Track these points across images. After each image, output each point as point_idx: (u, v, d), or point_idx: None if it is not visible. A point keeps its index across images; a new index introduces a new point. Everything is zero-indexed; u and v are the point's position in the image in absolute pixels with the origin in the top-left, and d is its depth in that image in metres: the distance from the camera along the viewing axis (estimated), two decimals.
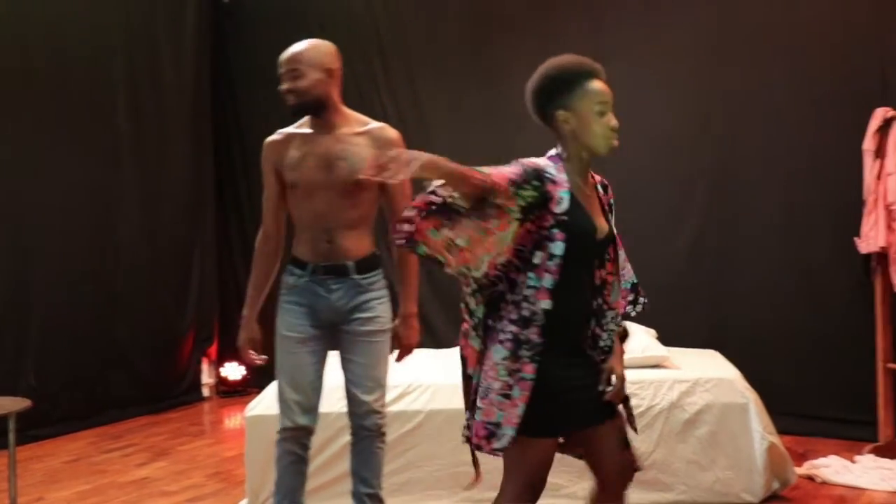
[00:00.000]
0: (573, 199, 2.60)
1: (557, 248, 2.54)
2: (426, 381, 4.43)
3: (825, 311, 5.43)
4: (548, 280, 2.55)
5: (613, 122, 2.67)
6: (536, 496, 2.73)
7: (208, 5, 7.30)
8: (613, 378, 2.73)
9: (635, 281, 2.87)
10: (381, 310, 3.49)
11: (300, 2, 7.21)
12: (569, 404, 2.64)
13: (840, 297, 5.36)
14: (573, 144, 2.70)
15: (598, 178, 2.81)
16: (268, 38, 7.28)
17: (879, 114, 4.85)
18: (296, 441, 3.50)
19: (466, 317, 2.73)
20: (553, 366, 2.58)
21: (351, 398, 3.50)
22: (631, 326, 4.85)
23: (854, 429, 5.21)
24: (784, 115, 5.51)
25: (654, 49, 5.94)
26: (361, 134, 3.45)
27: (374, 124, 3.51)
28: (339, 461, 4.27)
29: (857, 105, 5.13)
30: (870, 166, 4.86)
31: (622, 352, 2.81)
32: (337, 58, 3.52)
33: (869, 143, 4.87)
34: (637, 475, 4.27)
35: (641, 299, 2.88)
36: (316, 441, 4.22)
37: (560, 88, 2.71)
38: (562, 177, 2.63)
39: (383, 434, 3.51)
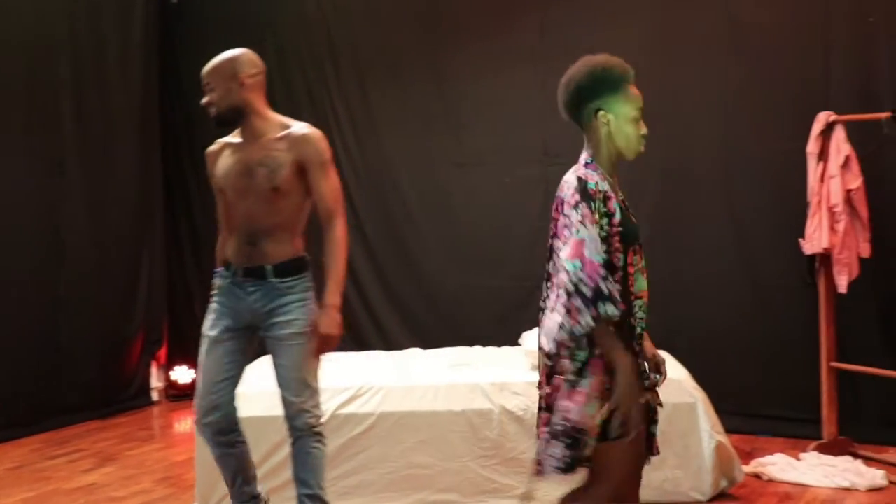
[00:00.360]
0: (621, 208, 2.66)
1: (621, 260, 2.62)
2: (377, 383, 4.43)
3: (771, 311, 5.52)
4: (617, 290, 2.57)
5: (644, 129, 2.73)
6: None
7: (155, 5, 7.21)
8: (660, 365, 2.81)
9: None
10: (298, 313, 3.50)
11: (250, 3, 7.16)
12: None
13: (785, 298, 5.45)
14: (607, 145, 2.74)
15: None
16: (217, 40, 7.19)
17: (822, 118, 4.93)
18: (210, 436, 3.61)
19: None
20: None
21: (282, 400, 3.54)
22: None
23: (799, 427, 5.30)
24: (731, 118, 5.59)
25: (601, 50, 5.96)
26: (282, 138, 3.52)
27: (295, 126, 3.57)
28: (289, 464, 4.24)
29: (801, 109, 5.21)
30: (813, 169, 4.95)
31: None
32: (252, 65, 3.63)
33: (812, 147, 4.96)
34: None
35: None
36: (266, 445, 4.24)
37: (605, 89, 2.73)
38: (606, 185, 2.66)
39: (318, 434, 3.52)
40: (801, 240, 5.00)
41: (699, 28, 5.68)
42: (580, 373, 2.61)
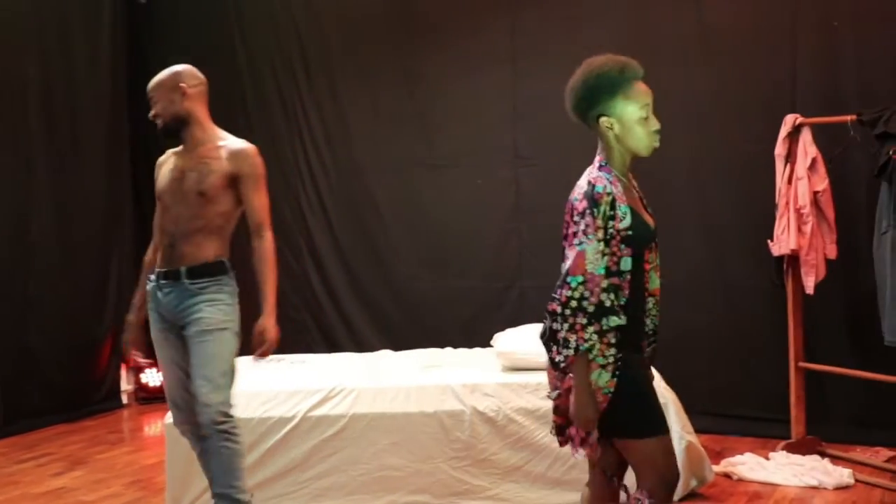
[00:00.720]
0: (632, 210, 2.66)
1: (626, 263, 2.62)
2: (349, 384, 4.42)
3: (740, 312, 5.57)
4: (621, 297, 2.62)
5: (655, 124, 2.71)
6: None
7: (123, 5, 7.15)
8: None
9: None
10: (207, 311, 3.61)
11: (219, 3, 7.13)
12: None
13: (754, 299, 5.50)
14: (617, 148, 2.75)
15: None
16: (187, 40, 7.19)
17: (789, 120, 4.98)
18: (186, 436, 3.76)
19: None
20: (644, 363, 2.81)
21: (192, 397, 3.61)
22: None
23: (768, 427, 5.35)
24: (699, 120, 5.63)
25: (572, 51, 5.98)
26: (219, 148, 3.67)
27: (231, 140, 3.72)
28: (263, 466, 4.25)
29: (769, 112, 5.27)
30: (781, 171, 5.00)
31: None
32: (193, 77, 3.81)
33: (780, 149, 5.01)
34: (558, 476, 4.37)
35: None
36: None
37: (600, 96, 2.74)
38: (619, 188, 2.67)
39: (225, 432, 3.54)
40: (769, 241, 5.05)
41: (669, 31, 5.72)
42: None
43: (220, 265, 3.72)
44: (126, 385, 7.18)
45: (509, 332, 4.92)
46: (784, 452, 4.91)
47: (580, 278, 2.56)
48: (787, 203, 4.94)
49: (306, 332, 6.84)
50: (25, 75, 6.27)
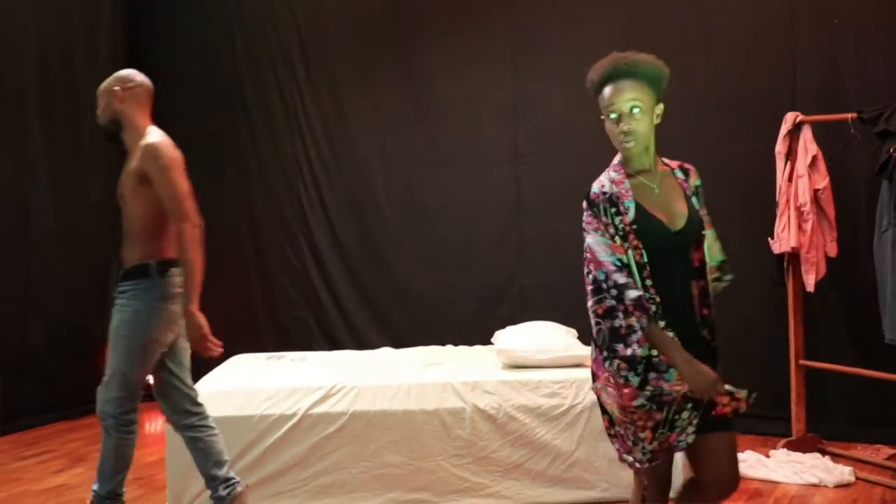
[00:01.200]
0: (638, 206, 2.71)
1: (643, 255, 2.68)
2: (350, 382, 4.42)
3: (741, 310, 5.54)
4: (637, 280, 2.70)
5: (622, 126, 2.74)
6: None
7: (123, 4, 7.15)
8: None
9: (721, 258, 2.90)
10: (117, 315, 3.73)
11: (219, 1, 7.12)
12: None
13: (755, 297, 5.49)
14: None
15: (675, 164, 2.86)
16: (187, 40, 7.19)
17: (790, 118, 4.99)
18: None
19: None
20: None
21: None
22: (553, 326, 4.94)
23: (768, 425, 5.35)
24: (699, 118, 5.63)
25: (572, 50, 6.03)
26: (136, 150, 3.75)
27: (143, 141, 3.74)
28: (264, 463, 4.25)
29: (769, 109, 5.27)
30: (781, 169, 5.00)
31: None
32: (129, 79, 3.91)
33: (780, 147, 5.01)
34: (559, 473, 4.37)
35: (726, 277, 2.91)
36: (240, 444, 4.24)
37: (595, 97, 2.85)
38: (625, 185, 2.75)
39: (104, 428, 3.70)
40: (770, 239, 5.05)
41: (669, 29, 5.72)
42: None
43: (142, 268, 3.72)
44: None
45: (510, 329, 4.92)
46: (784, 450, 4.92)
47: (602, 270, 2.66)
48: (788, 201, 4.95)
49: (307, 330, 6.85)
50: (25, 76, 6.27)
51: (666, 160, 2.89)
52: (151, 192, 3.66)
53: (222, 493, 3.77)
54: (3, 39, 6.12)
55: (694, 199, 2.83)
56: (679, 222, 2.75)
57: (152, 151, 3.66)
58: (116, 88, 3.81)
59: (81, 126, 6.65)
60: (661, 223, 2.73)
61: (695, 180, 2.89)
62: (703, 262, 2.82)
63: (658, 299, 2.67)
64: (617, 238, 2.68)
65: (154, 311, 3.71)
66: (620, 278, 2.63)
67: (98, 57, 6.86)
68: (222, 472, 3.80)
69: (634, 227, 2.68)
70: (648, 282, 2.68)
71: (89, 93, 6.69)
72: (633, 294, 2.61)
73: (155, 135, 3.76)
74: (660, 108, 2.81)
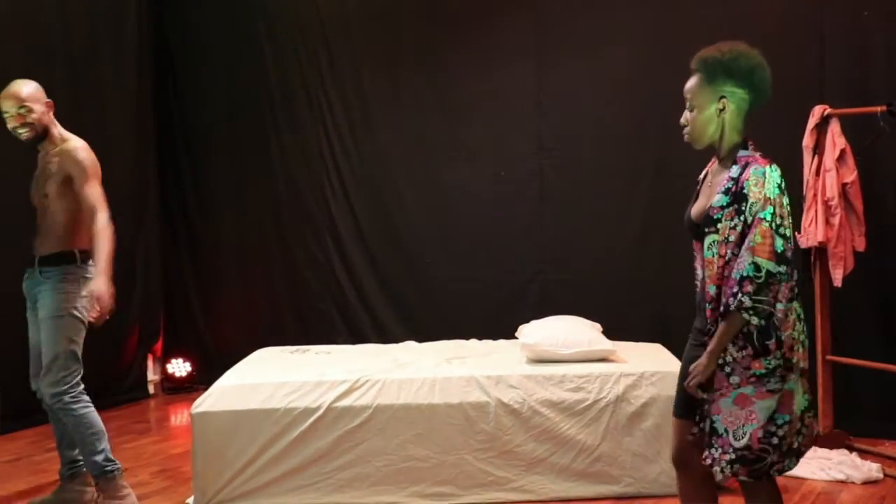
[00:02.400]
0: (696, 192, 2.92)
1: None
2: (374, 376, 4.43)
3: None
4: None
5: (681, 119, 2.86)
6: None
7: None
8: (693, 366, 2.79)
9: (743, 274, 2.63)
10: (49, 299, 4.09)
11: None
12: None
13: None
14: None
15: (745, 161, 2.79)
16: (211, 34, 7.22)
17: (817, 111, 4.94)
18: (43, 404, 4.23)
19: None
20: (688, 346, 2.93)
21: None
22: (577, 320, 4.92)
23: None
24: None
25: (596, 42, 6.01)
26: (56, 152, 4.18)
27: (68, 144, 4.21)
28: (288, 456, 4.26)
29: (797, 102, 5.22)
30: (808, 163, 4.96)
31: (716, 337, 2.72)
32: (43, 92, 4.26)
33: (807, 140, 4.97)
34: (583, 468, 4.36)
35: (739, 296, 2.62)
36: (263, 438, 4.26)
37: None
38: (706, 172, 2.95)
39: (61, 409, 4.10)
40: (797, 234, 5.01)
41: (695, 22, 5.67)
42: None
43: (63, 255, 4.13)
44: (152, 375, 7.24)
45: (534, 323, 4.91)
46: (811, 446, 4.87)
47: None
48: (815, 195, 4.91)
49: (330, 323, 6.87)
50: (52, 74, 6.30)
51: (745, 154, 2.82)
52: (73, 191, 4.11)
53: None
54: (30, 41, 6.15)
55: (719, 197, 2.73)
56: (695, 217, 2.85)
57: (75, 156, 4.14)
58: (48, 101, 4.21)
59: (107, 121, 6.70)
60: (688, 211, 2.89)
61: (747, 184, 2.72)
62: (710, 266, 2.77)
63: (697, 282, 2.89)
64: None
65: (81, 290, 4.10)
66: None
67: (124, 52, 6.90)
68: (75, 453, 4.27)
69: (686, 210, 2.92)
70: (696, 266, 2.89)
71: (115, 88, 6.83)
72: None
73: (77, 140, 4.23)
74: (722, 103, 2.80)
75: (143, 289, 7.01)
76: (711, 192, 2.79)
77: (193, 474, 4.34)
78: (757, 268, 2.59)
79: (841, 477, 4.50)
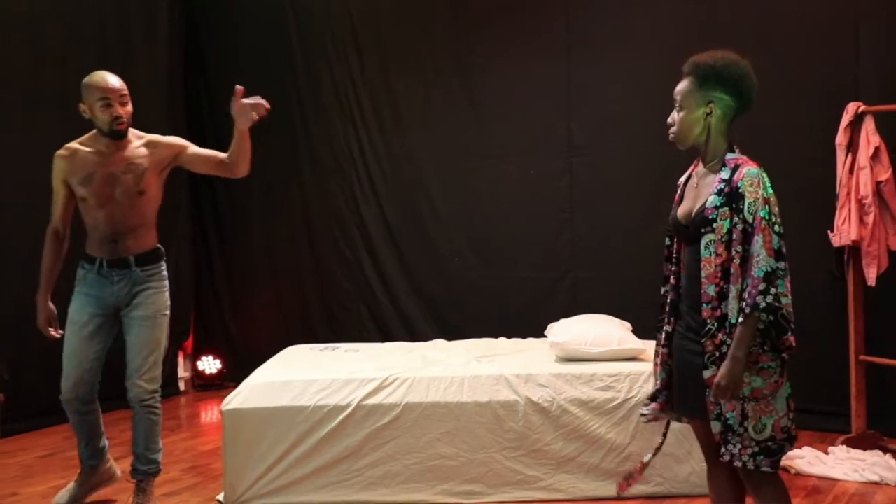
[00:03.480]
0: (681, 195, 3.00)
1: (667, 239, 3.04)
2: (403, 374, 4.44)
3: (799, 304, 5.41)
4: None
5: (669, 118, 2.96)
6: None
7: None
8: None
9: (755, 275, 2.67)
10: (155, 298, 4.13)
11: None
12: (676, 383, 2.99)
13: (813, 291, 5.40)
14: None
15: (735, 162, 2.85)
16: (242, 29, 7.26)
17: (851, 108, 4.89)
18: (72, 408, 4.16)
19: None
20: (675, 342, 2.96)
21: (126, 372, 4.12)
22: (606, 319, 4.90)
23: (827, 421, 5.26)
24: (757, 110, 5.48)
25: (627, 40, 5.97)
26: (142, 145, 4.12)
27: (151, 135, 4.17)
28: (317, 453, 4.28)
29: (830, 100, 5.17)
30: (842, 160, 4.91)
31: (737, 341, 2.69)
32: None
33: (841, 138, 4.91)
34: (612, 467, 4.34)
35: (755, 298, 2.66)
36: (294, 434, 4.28)
37: None
38: (689, 175, 3.02)
39: (150, 407, 4.12)
40: (829, 232, 4.96)
41: (728, 18, 5.63)
42: None
43: (159, 251, 4.21)
44: (183, 372, 7.29)
45: (563, 322, 4.90)
46: (844, 447, 4.83)
47: None
48: (849, 193, 4.86)
49: (359, 321, 6.89)
50: (86, 58, 6.35)
51: (733, 157, 2.88)
52: (162, 183, 4.15)
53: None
54: (65, 22, 6.22)
55: (713, 198, 2.78)
56: (682, 219, 2.91)
57: (165, 139, 4.20)
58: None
59: (138, 116, 6.69)
60: (674, 213, 2.96)
61: (742, 183, 2.77)
62: (708, 266, 2.78)
63: (673, 281, 2.98)
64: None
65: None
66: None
67: (155, 49, 6.95)
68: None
69: (671, 212, 2.99)
70: (672, 267, 3.00)
71: (147, 83, 6.87)
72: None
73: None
74: (710, 107, 2.88)
75: (173, 286, 6.97)
76: (698, 194, 2.88)
77: (224, 471, 4.37)
78: (770, 263, 2.67)
79: (875, 478, 4.45)
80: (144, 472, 4.19)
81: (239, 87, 3.96)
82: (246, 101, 3.97)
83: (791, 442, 2.76)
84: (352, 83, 6.92)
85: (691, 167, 3.02)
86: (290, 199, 7.13)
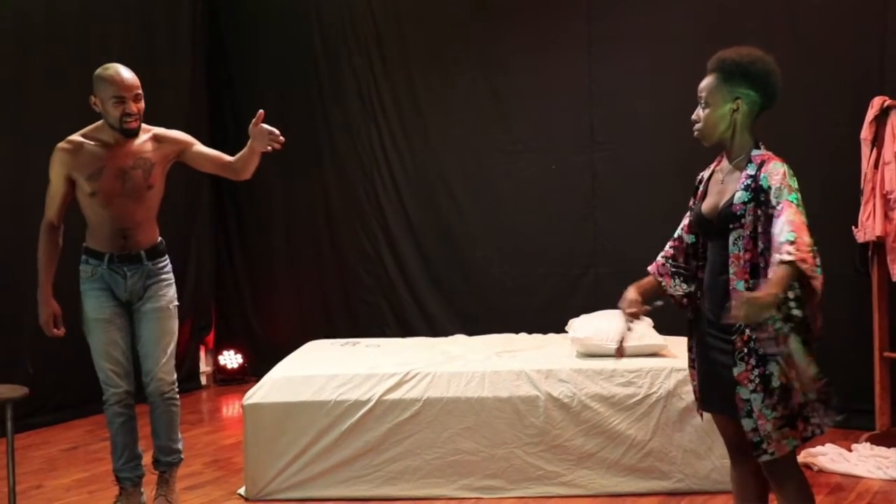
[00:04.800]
0: (705, 191, 2.98)
1: (686, 236, 3.06)
2: (424, 369, 4.44)
3: (823, 300, 5.42)
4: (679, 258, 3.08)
5: (693, 115, 2.94)
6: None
7: None
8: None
9: (789, 239, 2.65)
10: (166, 290, 4.10)
11: None
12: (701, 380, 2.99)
13: (837, 287, 5.32)
14: None
15: (761, 158, 2.86)
16: (264, 28, 7.28)
17: (877, 103, 4.84)
18: (122, 404, 4.09)
19: None
20: (697, 340, 2.97)
21: (142, 367, 4.11)
22: None
23: (851, 418, 5.17)
24: (782, 103, 5.43)
25: (650, 34, 5.93)
26: (149, 140, 4.05)
27: (157, 129, 4.12)
28: (338, 448, 4.29)
29: (855, 94, 5.12)
30: (867, 155, 4.86)
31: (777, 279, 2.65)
32: None
33: (866, 133, 4.87)
34: (633, 463, 4.33)
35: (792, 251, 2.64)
36: (314, 429, 4.28)
37: None
38: (713, 171, 3.01)
39: (171, 399, 4.13)
40: (854, 227, 4.92)
41: (753, 12, 5.58)
42: None
43: (163, 244, 4.17)
44: (205, 367, 7.33)
45: (584, 317, 4.88)
46: (868, 444, 4.79)
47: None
48: (873, 188, 4.82)
49: (380, 316, 6.89)
50: (109, 60, 6.39)
51: (759, 153, 2.88)
52: (164, 177, 4.12)
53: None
54: (86, 35, 6.25)
55: (740, 194, 2.78)
56: (708, 214, 2.90)
57: (171, 133, 4.20)
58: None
59: (161, 114, 6.74)
60: (699, 209, 2.95)
61: (765, 177, 2.78)
62: (737, 262, 2.78)
63: (698, 274, 2.99)
64: (688, 217, 3.04)
65: None
66: (666, 246, 3.11)
67: (178, 45, 6.98)
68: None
69: (692, 208, 3.00)
70: (694, 262, 3.02)
71: (169, 81, 6.91)
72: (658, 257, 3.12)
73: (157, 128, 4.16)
74: (736, 103, 2.86)
75: (194, 281, 7.09)
76: (724, 190, 2.87)
77: (245, 465, 4.39)
78: (799, 233, 2.65)
79: None
80: (168, 463, 4.20)
81: (260, 112, 3.92)
82: (265, 126, 3.91)
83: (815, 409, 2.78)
84: (373, 78, 6.92)
85: (714, 163, 3.01)
86: (311, 193, 7.14)
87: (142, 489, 4.21)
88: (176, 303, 4.15)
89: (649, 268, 3.14)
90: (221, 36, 7.41)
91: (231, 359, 7.23)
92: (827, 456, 4.65)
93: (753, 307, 2.53)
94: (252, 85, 7.31)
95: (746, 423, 2.74)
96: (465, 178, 6.62)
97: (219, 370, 7.29)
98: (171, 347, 4.11)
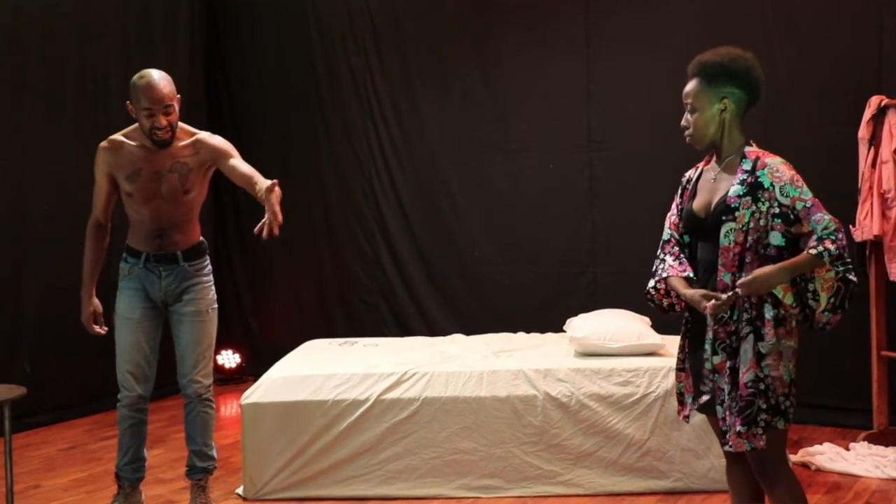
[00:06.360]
0: (693, 191, 2.99)
1: (666, 233, 3.06)
2: (422, 368, 4.44)
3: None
4: (668, 259, 3.03)
5: (682, 121, 2.98)
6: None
7: None
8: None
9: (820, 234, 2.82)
10: (204, 293, 4.05)
11: None
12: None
13: None
14: None
15: (755, 155, 2.91)
16: (261, 25, 7.27)
17: (874, 102, 4.84)
18: (134, 408, 4.09)
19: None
20: (691, 341, 2.99)
21: (178, 369, 4.09)
22: (626, 314, 4.89)
23: (848, 416, 5.23)
24: (779, 103, 5.49)
25: (649, 34, 5.94)
26: (189, 145, 3.98)
27: (201, 133, 4.05)
28: (336, 447, 4.29)
29: (852, 93, 5.12)
30: (864, 154, 4.87)
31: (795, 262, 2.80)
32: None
33: (863, 132, 4.87)
34: (631, 462, 4.34)
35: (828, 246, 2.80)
36: (313, 428, 4.28)
37: None
38: (701, 171, 3.03)
39: (208, 401, 4.10)
40: (851, 227, 4.92)
41: (749, 11, 5.58)
42: None
43: (204, 245, 4.15)
44: None
45: (582, 316, 4.89)
46: (865, 443, 4.80)
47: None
48: (871, 187, 4.82)
49: (378, 316, 6.90)
50: (106, 66, 6.40)
51: (752, 149, 2.93)
52: (205, 180, 4.09)
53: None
54: (84, 33, 6.25)
55: (736, 188, 2.82)
56: (700, 213, 2.92)
57: (213, 140, 4.07)
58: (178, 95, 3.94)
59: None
60: (690, 208, 2.96)
61: (763, 174, 2.84)
62: (726, 254, 2.83)
63: (691, 274, 2.97)
64: (674, 216, 3.05)
65: None
66: (665, 255, 3.04)
67: (176, 46, 6.97)
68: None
69: (681, 208, 3.01)
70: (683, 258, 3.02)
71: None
72: (652, 281, 3.07)
73: (201, 132, 4.08)
74: (724, 103, 2.89)
75: None
76: (716, 188, 2.90)
77: (243, 464, 4.40)
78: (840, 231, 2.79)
79: None
80: (203, 470, 4.14)
81: (275, 182, 3.77)
82: (274, 206, 3.68)
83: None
84: (371, 78, 6.92)
85: (701, 163, 3.05)
86: (309, 193, 7.13)
87: (141, 489, 4.19)
88: (215, 305, 4.10)
89: (667, 273, 3.02)
90: (219, 36, 7.40)
91: (229, 358, 7.22)
92: (825, 455, 4.66)
93: (760, 280, 2.70)
94: (249, 84, 7.31)
95: (719, 411, 2.84)
96: (463, 177, 6.62)
97: (217, 370, 7.26)
98: (209, 351, 4.08)
